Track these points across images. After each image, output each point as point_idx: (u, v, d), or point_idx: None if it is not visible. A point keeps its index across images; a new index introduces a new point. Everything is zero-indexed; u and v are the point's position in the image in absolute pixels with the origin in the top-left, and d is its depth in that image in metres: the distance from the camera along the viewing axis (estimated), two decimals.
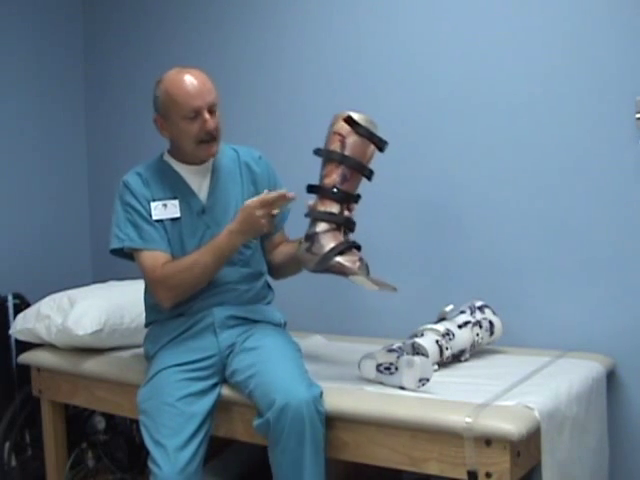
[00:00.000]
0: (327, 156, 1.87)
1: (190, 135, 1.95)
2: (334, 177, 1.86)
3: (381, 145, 1.89)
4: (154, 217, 1.98)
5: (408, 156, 2.46)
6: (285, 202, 1.87)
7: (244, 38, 2.85)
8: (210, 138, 1.96)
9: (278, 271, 2.16)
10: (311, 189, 1.89)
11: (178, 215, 2.00)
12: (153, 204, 1.99)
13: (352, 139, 1.85)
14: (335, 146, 1.86)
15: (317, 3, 2.67)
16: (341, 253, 1.83)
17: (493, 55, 2.30)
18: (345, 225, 1.88)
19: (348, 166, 1.85)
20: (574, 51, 2.15)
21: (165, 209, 1.99)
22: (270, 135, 2.72)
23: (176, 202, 2.00)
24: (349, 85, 2.58)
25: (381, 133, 1.89)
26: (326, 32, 2.65)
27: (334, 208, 1.86)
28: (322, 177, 1.89)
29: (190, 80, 1.93)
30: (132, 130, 3.25)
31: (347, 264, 1.82)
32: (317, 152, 1.89)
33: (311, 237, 1.86)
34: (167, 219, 1.99)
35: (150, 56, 3.17)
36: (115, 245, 2.01)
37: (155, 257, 1.95)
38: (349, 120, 1.85)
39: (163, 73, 2.00)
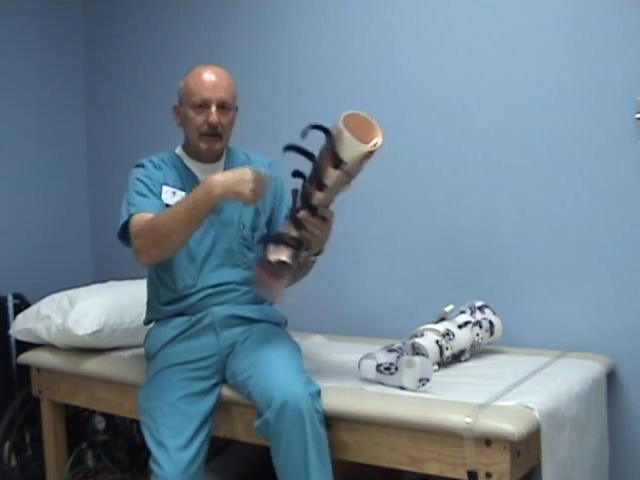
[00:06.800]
0: (301, 152, 1.74)
1: (194, 125, 1.98)
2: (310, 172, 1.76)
3: (337, 163, 1.67)
4: (163, 200, 1.97)
5: (406, 157, 2.46)
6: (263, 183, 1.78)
7: (246, 37, 2.85)
8: (212, 132, 1.97)
9: None
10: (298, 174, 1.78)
11: None
12: (165, 187, 1.99)
13: (324, 143, 1.70)
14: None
15: (314, 8, 2.66)
16: (278, 242, 1.76)
17: (492, 55, 2.30)
18: (294, 223, 1.77)
19: (314, 167, 1.73)
20: (574, 51, 2.16)
21: (173, 196, 1.99)
22: (270, 137, 2.72)
23: (183, 194, 1.99)
24: (348, 90, 2.58)
25: (384, 137, 1.69)
26: (323, 39, 2.65)
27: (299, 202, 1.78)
28: None
29: (208, 73, 1.98)
30: (132, 130, 3.25)
31: (269, 251, 1.76)
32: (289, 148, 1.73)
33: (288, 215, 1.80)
34: None
35: (151, 55, 3.17)
36: (124, 219, 1.94)
37: (141, 216, 1.90)
38: (324, 128, 1.68)
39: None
